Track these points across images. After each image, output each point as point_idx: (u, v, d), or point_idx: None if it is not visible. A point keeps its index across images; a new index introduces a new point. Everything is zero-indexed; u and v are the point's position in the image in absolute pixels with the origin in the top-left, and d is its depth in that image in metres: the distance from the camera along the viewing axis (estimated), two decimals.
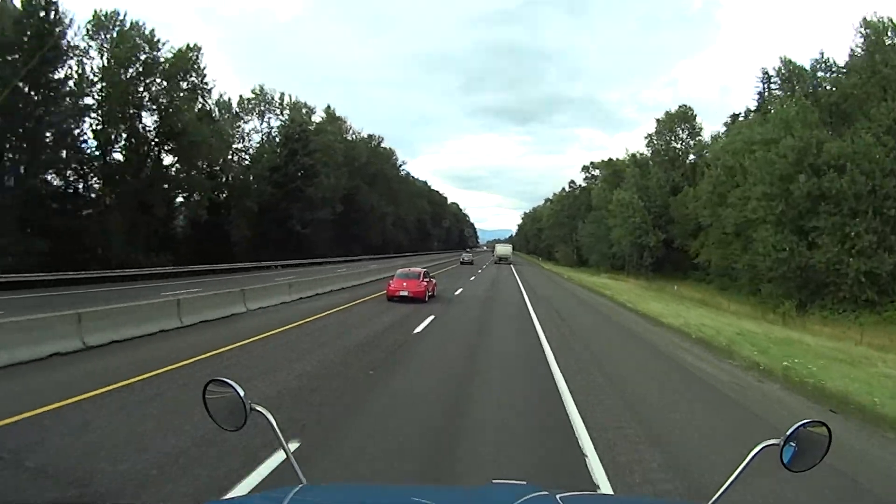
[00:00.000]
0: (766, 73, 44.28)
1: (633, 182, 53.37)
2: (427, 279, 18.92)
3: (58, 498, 3.62)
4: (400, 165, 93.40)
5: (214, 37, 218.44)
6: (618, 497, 3.70)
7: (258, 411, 1.58)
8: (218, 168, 43.11)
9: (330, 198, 50.85)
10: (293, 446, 4.42)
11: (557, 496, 1.50)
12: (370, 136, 77.79)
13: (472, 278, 34.32)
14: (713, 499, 1.49)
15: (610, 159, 72.24)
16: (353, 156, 68.77)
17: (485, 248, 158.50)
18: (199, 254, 34.94)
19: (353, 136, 72.60)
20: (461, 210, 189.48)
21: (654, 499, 3.93)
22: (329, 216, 49.72)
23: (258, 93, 51.13)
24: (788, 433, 1.46)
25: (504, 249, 71.65)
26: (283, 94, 52.67)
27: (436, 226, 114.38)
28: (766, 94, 44.85)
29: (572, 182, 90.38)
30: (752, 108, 45.91)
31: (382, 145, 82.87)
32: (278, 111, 51.62)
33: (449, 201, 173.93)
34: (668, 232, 50.44)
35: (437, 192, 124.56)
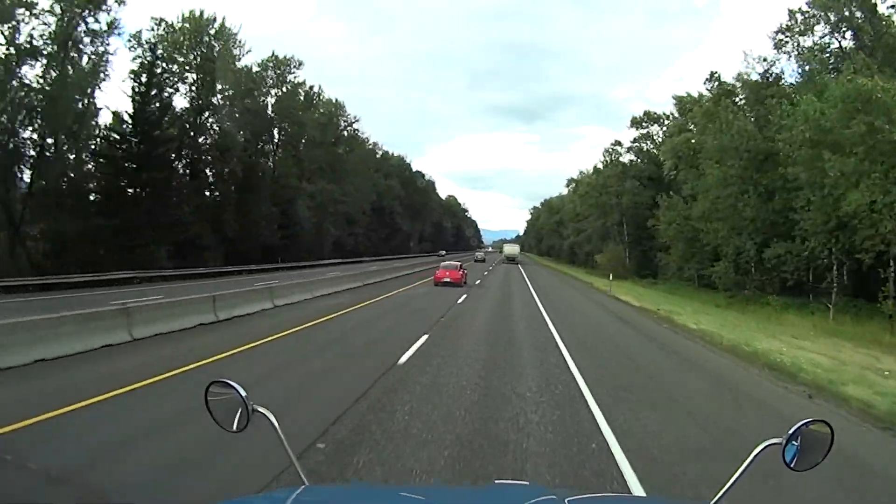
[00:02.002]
0: None
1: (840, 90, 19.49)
2: (462, 270, 24.70)
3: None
4: (352, 124, 60.79)
5: None
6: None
7: (260, 413, 1.57)
8: None
9: None
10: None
11: (566, 500, 1.53)
12: (276, 59, 45.09)
13: None
14: (715, 498, 1.48)
15: (715, 87, 38.99)
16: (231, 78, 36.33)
17: (490, 248, 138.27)
18: None
19: (239, 50, 39.96)
20: (459, 204, 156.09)
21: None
22: None
23: None
24: (790, 432, 1.44)
25: (512, 249, 72.39)
26: None
27: (417, 218, 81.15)
28: None
29: (617, 143, 57.26)
30: None
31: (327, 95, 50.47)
32: None
33: (446, 195, 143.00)
34: None
35: (421, 173, 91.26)
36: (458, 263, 25.94)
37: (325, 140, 52.12)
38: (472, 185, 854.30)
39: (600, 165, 56.73)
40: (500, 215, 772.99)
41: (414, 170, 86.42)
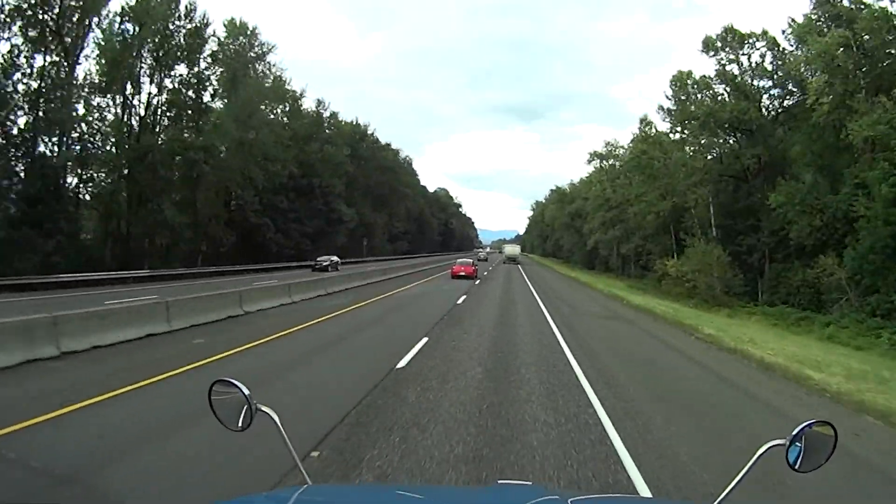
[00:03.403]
0: None
1: None
2: (474, 266, 31.31)
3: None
4: (265, 56, 39.01)
5: None
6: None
7: (264, 412, 1.55)
8: None
9: None
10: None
11: (568, 500, 1.52)
12: None
13: None
14: (719, 498, 1.46)
15: None
16: None
17: (489, 249, 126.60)
18: None
19: None
20: (451, 198, 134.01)
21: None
22: None
23: None
24: (794, 433, 1.41)
25: (513, 250, 73.86)
26: None
27: (381, 208, 59.17)
28: None
29: (686, 75, 35.24)
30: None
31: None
32: None
33: (437, 187, 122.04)
34: None
35: (393, 149, 68.91)
36: (472, 260, 35.28)
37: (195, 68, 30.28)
38: (472, 185, 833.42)
39: (668, 103, 34.58)
40: (500, 215, 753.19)
41: (382, 143, 64.19)
